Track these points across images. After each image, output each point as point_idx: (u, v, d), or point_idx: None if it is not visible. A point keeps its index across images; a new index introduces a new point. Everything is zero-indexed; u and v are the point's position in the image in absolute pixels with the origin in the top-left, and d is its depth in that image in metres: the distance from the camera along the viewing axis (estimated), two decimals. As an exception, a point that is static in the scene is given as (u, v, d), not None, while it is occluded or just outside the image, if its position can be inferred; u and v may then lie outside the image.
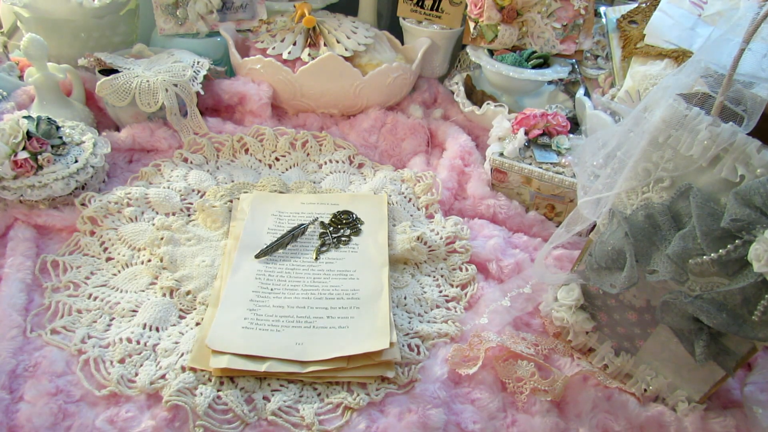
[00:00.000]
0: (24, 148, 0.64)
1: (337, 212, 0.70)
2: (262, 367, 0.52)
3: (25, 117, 0.66)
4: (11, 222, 0.65)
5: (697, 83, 0.47)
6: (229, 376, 0.52)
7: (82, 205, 0.66)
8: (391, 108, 0.89)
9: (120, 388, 0.50)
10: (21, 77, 0.85)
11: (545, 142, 0.74)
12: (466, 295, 0.64)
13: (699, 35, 0.74)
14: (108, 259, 0.63)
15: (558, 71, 0.85)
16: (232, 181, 0.74)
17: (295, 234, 0.66)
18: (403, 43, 0.96)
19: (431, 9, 0.91)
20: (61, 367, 0.51)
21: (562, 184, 0.70)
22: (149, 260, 0.62)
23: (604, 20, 0.87)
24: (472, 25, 0.88)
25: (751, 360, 0.56)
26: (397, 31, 0.97)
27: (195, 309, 0.59)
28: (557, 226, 0.60)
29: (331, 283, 0.61)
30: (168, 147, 0.78)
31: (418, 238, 0.66)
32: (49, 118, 0.67)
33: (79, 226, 0.65)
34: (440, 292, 0.64)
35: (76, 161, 0.67)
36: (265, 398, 0.51)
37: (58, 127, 0.68)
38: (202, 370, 0.52)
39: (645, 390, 0.55)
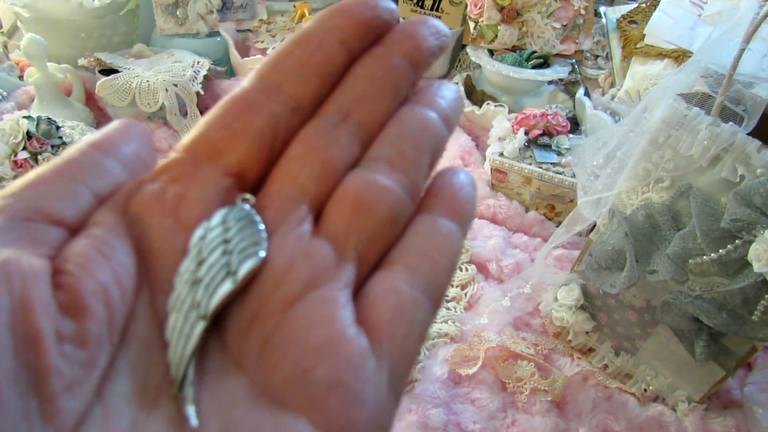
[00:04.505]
0: (24, 148, 0.64)
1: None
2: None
3: (25, 117, 0.66)
4: (11, 222, 0.65)
5: (697, 83, 0.47)
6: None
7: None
8: (391, 108, 0.89)
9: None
10: (21, 77, 0.85)
11: (545, 142, 0.74)
12: (466, 295, 0.64)
13: (699, 35, 0.74)
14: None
15: (558, 71, 0.85)
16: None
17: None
18: (403, 43, 0.96)
19: (431, 9, 0.92)
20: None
21: (562, 184, 0.70)
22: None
23: (604, 20, 0.87)
24: (472, 25, 0.88)
25: (751, 360, 0.56)
26: (397, 31, 0.96)
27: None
28: (557, 226, 0.60)
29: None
30: (168, 147, 0.78)
31: (418, 238, 0.66)
32: (49, 118, 0.67)
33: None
34: (440, 292, 0.64)
35: (76, 161, 0.67)
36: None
37: (58, 127, 0.68)
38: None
39: (645, 390, 0.55)
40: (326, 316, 0.15)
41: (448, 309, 0.62)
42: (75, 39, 0.84)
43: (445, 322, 0.60)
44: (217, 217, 0.16)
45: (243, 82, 0.18)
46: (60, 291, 0.14)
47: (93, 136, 0.17)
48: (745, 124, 0.42)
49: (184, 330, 0.15)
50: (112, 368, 0.14)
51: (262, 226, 0.16)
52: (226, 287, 0.15)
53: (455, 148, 0.81)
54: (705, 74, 0.46)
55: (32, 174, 0.16)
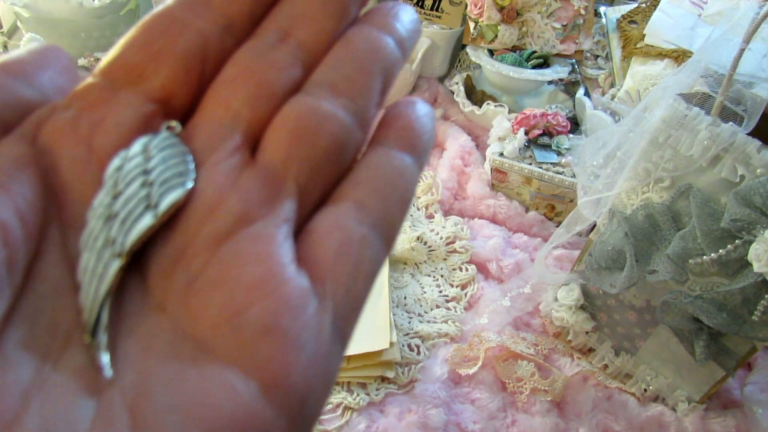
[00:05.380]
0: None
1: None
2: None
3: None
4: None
5: (697, 83, 0.47)
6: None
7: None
8: (391, 108, 0.89)
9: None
10: (21, 77, 0.85)
11: (545, 142, 0.74)
12: (466, 295, 0.64)
13: (699, 35, 0.74)
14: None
15: (558, 71, 0.85)
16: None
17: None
18: (403, 43, 0.96)
19: (431, 9, 0.92)
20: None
21: (562, 184, 0.70)
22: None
23: (604, 20, 0.87)
24: (472, 25, 0.88)
25: (751, 360, 0.56)
26: (397, 31, 0.96)
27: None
28: (557, 226, 0.60)
29: (331, 283, 0.61)
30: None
31: (417, 238, 0.66)
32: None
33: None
34: (440, 292, 0.64)
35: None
36: (265, 398, 0.51)
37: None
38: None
39: (645, 390, 0.55)
40: (261, 254, 0.14)
41: (448, 309, 0.62)
42: (75, 39, 0.84)
43: (445, 322, 0.60)
44: (137, 146, 0.15)
45: None
46: None
47: (1, 58, 0.15)
48: (745, 124, 0.42)
49: (97, 270, 0.13)
50: (13, 314, 0.13)
51: (189, 156, 0.15)
52: (146, 222, 0.14)
53: (455, 148, 0.81)
54: (705, 74, 0.46)
55: None
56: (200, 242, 0.14)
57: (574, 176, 0.69)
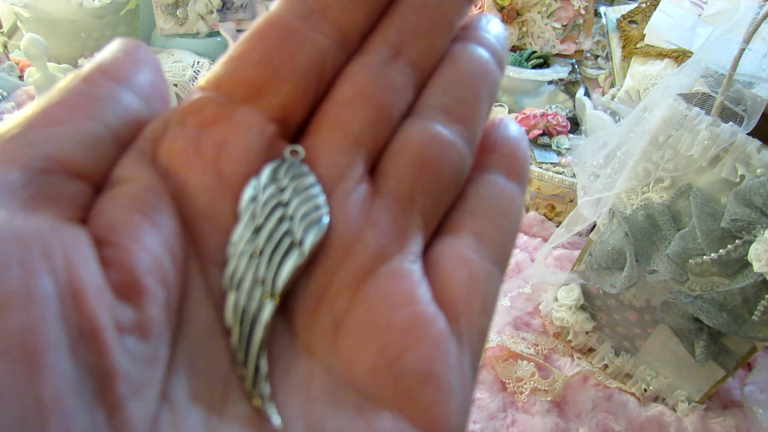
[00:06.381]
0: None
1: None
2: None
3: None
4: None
5: (697, 83, 0.47)
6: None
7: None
8: (391, 108, 0.89)
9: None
10: (21, 77, 0.85)
11: (545, 142, 0.74)
12: (466, 295, 0.64)
13: (699, 35, 0.74)
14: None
15: (558, 71, 0.85)
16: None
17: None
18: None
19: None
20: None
21: (562, 184, 0.70)
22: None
23: (604, 20, 0.87)
24: (472, 25, 0.88)
25: (751, 360, 0.56)
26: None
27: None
28: (557, 226, 0.60)
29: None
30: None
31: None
32: (49, 118, 0.67)
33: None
34: (440, 292, 0.64)
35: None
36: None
37: (58, 127, 0.68)
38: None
39: (645, 390, 0.55)
40: (405, 293, 0.13)
41: (448, 309, 0.62)
42: (75, 39, 0.84)
43: (445, 322, 0.60)
44: (267, 174, 0.14)
45: (277, 3, 0.15)
46: (110, 269, 0.11)
47: (100, 60, 0.13)
48: (745, 124, 0.42)
49: (249, 312, 0.13)
50: (174, 361, 0.12)
51: (318, 186, 0.14)
52: (294, 261, 0.13)
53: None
54: (705, 74, 0.46)
55: (33, 111, 0.12)
56: (342, 281, 0.14)
57: (574, 176, 0.69)
